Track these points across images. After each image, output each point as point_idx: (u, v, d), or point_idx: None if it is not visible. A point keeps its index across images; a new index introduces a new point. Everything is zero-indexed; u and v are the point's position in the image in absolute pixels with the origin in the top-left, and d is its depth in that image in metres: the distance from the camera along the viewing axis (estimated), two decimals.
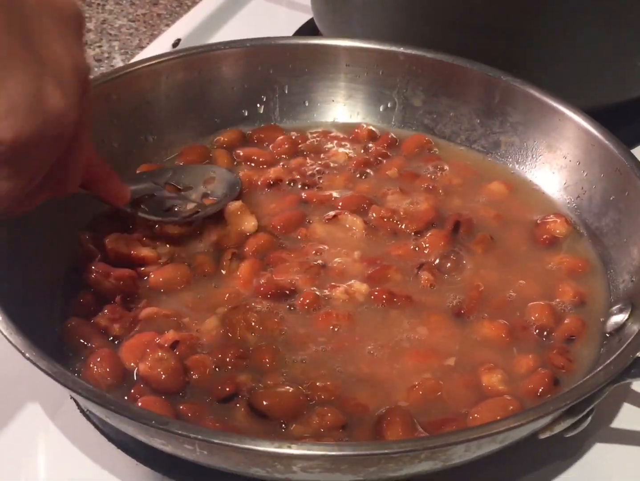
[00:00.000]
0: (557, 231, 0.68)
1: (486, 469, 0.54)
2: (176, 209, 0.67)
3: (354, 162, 0.76)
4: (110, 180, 0.61)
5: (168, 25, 1.06)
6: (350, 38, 0.80)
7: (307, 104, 0.81)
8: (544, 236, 0.68)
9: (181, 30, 0.99)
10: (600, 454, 0.57)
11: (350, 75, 0.80)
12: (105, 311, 0.59)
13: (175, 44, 0.95)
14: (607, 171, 0.68)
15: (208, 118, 0.78)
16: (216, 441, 0.44)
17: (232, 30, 0.99)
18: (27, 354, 0.48)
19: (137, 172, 0.72)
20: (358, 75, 0.80)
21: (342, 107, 0.81)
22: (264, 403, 0.53)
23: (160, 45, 0.95)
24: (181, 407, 0.53)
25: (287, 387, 0.55)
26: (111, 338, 0.59)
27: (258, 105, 0.80)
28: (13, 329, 0.49)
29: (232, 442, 0.44)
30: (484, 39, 0.79)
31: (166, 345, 0.56)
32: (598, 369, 0.51)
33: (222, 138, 0.77)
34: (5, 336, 0.49)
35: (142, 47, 1.03)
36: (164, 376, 0.54)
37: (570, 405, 0.49)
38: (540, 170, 0.74)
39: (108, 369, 0.55)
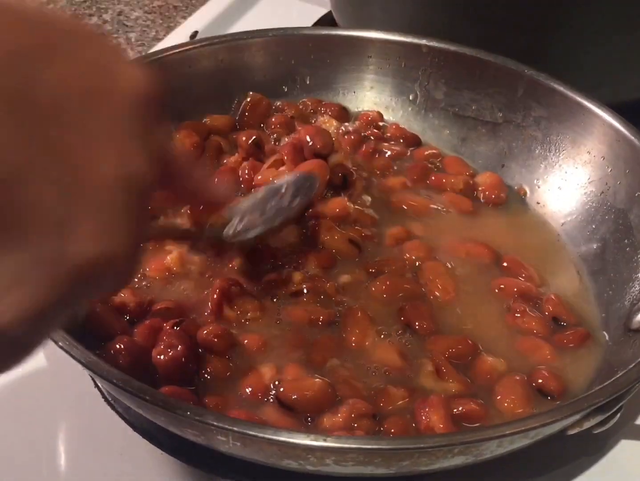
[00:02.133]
0: None
1: (512, 465, 0.54)
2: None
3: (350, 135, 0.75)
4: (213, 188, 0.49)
5: (184, 18, 1.05)
6: (372, 30, 0.79)
7: (328, 96, 0.81)
8: None
9: (198, 22, 0.98)
10: (625, 451, 0.57)
11: (372, 67, 0.80)
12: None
13: (193, 36, 0.95)
14: (633, 167, 0.68)
15: (230, 108, 0.78)
16: (252, 433, 0.44)
17: (249, 23, 0.99)
18: (60, 343, 0.48)
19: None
20: (380, 67, 0.80)
21: (363, 99, 0.81)
22: (292, 396, 0.53)
23: (177, 38, 0.94)
24: (206, 399, 0.53)
25: (314, 380, 0.54)
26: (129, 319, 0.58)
27: (279, 96, 0.79)
28: None
29: (268, 434, 0.44)
30: (508, 32, 0.79)
31: (168, 327, 0.56)
32: (631, 366, 0.50)
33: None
34: None
35: (158, 39, 1.02)
36: (173, 364, 0.54)
37: (603, 402, 0.48)
38: (564, 165, 0.74)
39: (132, 358, 0.54)
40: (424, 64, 0.79)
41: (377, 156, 0.74)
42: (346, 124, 0.76)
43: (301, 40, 0.79)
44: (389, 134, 0.77)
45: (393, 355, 0.57)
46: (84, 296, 0.33)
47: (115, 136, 0.32)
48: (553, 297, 0.62)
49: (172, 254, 0.62)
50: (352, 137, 0.74)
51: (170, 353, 0.54)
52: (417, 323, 0.59)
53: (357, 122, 0.78)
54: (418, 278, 0.63)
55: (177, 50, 0.74)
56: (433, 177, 0.73)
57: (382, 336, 0.59)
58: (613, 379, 0.50)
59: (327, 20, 0.97)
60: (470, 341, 0.58)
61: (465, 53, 0.77)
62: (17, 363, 0.31)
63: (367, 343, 0.58)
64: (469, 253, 0.65)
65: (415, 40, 0.78)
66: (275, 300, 0.60)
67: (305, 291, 0.60)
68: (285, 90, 0.80)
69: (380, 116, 0.79)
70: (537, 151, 0.76)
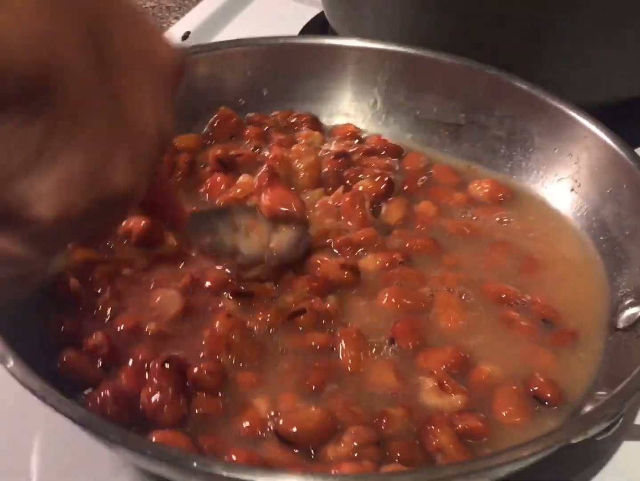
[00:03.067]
0: None
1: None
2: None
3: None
4: (175, 207, 0.54)
5: (177, 18, 1.04)
6: (328, 36, 0.78)
7: (286, 106, 0.78)
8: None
9: (190, 23, 0.97)
10: (628, 452, 0.56)
11: (330, 73, 0.78)
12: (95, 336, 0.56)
13: (185, 37, 0.93)
14: (603, 163, 0.68)
15: (189, 125, 0.75)
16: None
17: (242, 23, 0.98)
18: (48, 400, 0.45)
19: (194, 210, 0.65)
20: (338, 73, 0.78)
21: (323, 107, 0.79)
22: (292, 430, 0.51)
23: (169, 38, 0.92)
24: (200, 440, 0.51)
25: (313, 410, 0.52)
26: (101, 362, 0.55)
27: (237, 109, 0.77)
28: (27, 372, 0.46)
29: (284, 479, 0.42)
30: (490, 34, 0.77)
31: (157, 365, 0.53)
32: (634, 372, 0.50)
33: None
34: (25, 385, 0.46)
35: None
36: (164, 408, 0.51)
37: (615, 412, 0.48)
38: (530, 163, 0.73)
39: (121, 407, 0.51)
40: (383, 69, 0.77)
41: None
42: (326, 144, 0.74)
43: (256, 50, 0.77)
44: (369, 147, 0.74)
45: (389, 376, 0.56)
46: (102, 218, 0.38)
47: (156, 96, 0.39)
48: (539, 300, 0.62)
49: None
50: (340, 160, 0.71)
51: (160, 396, 0.51)
52: (401, 341, 0.58)
53: (336, 138, 0.76)
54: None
55: None
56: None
57: (374, 350, 0.57)
58: (620, 387, 0.49)
59: (318, 21, 0.95)
60: (461, 353, 0.57)
61: (424, 55, 0.76)
62: (42, 257, 0.38)
63: (362, 366, 0.56)
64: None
65: (372, 45, 0.77)
66: (271, 330, 0.58)
67: (304, 311, 0.58)
68: (243, 103, 0.77)
69: (357, 128, 0.77)
70: (502, 151, 0.75)
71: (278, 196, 0.63)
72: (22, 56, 0.31)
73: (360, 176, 0.70)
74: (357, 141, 0.76)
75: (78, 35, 0.34)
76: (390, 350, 0.57)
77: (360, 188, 0.69)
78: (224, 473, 0.42)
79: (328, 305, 0.59)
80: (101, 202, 0.36)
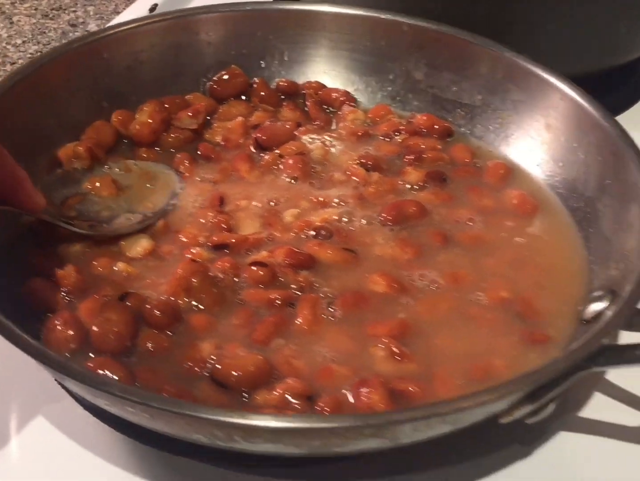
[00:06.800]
0: None
1: (439, 450, 0.53)
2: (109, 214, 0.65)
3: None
4: (21, 188, 0.55)
5: None
6: (348, 7, 0.78)
7: (306, 74, 0.80)
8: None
9: None
10: (563, 442, 0.55)
11: (351, 45, 0.79)
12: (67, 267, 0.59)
13: (152, 9, 0.93)
14: (604, 154, 0.66)
15: (204, 83, 0.77)
16: (154, 405, 0.44)
17: None
18: None
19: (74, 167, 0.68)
20: (360, 45, 0.78)
21: (337, 76, 0.79)
22: (224, 374, 0.53)
23: (137, 11, 0.92)
24: (138, 371, 0.53)
25: (251, 356, 0.54)
26: (66, 294, 0.58)
27: (257, 72, 0.79)
28: None
29: (170, 407, 0.44)
30: (466, 3, 0.77)
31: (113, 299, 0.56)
32: (559, 357, 0.49)
33: None
34: None
35: (117, 13, 1.01)
36: (108, 336, 0.54)
37: (528, 391, 0.47)
38: (538, 150, 0.72)
39: (71, 333, 0.54)
40: (405, 44, 0.77)
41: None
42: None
43: (278, 15, 0.78)
44: (417, 128, 0.75)
45: (342, 339, 0.56)
46: None
47: None
48: (512, 293, 0.61)
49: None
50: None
51: (107, 325, 0.54)
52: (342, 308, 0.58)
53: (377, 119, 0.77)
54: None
55: (136, 24, 0.74)
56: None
57: (330, 317, 0.58)
58: (535, 370, 0.48)
59: None
60: (407, 323, 0.57)
61: (447, 33, 0.76)
62: None
63: (317, 326, 0.57)
64: None
65: (397, 18, 0.77)
66: (235, 280, 0.60)
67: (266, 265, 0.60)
68: (263, 65, 0.79)
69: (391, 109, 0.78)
70: (513, 135, 0.74)
71: None
72: None
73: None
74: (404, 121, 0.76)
75: None
76: (339, 314, 0.58)
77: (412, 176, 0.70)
78: (117, 393, 0.44)
79: (300, 279, 0.60)
80: None
